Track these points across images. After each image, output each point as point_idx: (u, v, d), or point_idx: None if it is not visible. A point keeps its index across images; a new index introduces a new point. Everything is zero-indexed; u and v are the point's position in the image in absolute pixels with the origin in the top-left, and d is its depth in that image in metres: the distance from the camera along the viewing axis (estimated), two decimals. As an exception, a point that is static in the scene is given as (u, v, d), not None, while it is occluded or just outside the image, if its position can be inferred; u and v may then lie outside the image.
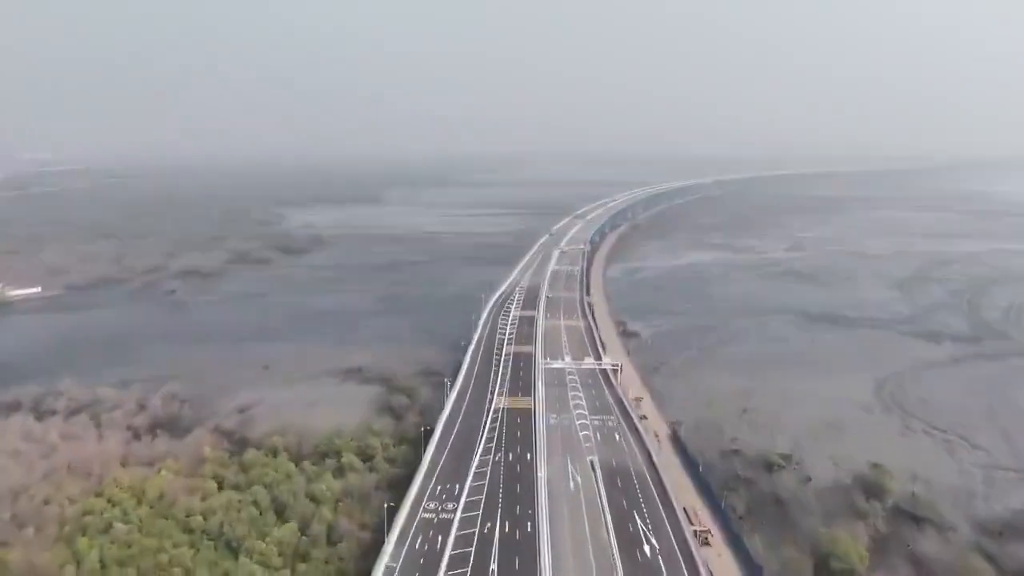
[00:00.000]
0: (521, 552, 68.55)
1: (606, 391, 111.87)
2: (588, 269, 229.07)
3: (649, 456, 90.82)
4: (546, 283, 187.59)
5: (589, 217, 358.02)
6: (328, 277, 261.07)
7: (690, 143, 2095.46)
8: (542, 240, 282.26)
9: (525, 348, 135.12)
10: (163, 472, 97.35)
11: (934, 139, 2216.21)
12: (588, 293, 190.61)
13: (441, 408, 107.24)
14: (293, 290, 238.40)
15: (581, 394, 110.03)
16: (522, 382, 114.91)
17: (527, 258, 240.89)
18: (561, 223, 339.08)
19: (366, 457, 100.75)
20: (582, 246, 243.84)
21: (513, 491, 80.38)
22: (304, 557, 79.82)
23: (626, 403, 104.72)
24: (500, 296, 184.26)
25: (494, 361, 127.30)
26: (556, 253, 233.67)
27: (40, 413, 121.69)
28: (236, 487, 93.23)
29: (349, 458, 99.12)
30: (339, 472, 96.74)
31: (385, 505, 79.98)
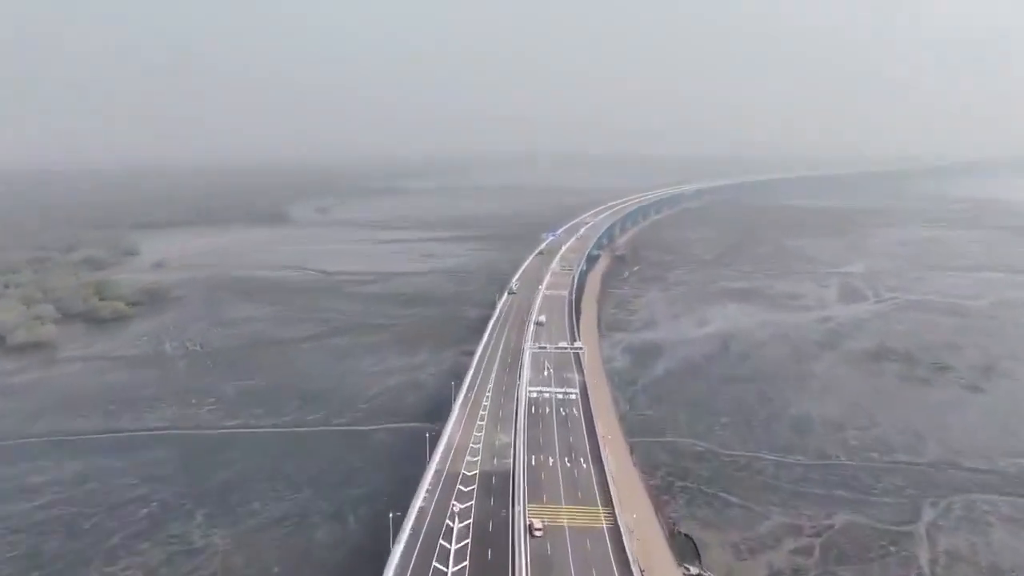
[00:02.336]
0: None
1: None
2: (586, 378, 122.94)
3: None
4: (521, 469, 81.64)
5: (561, 252, 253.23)
6: (122, 386, 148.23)
7: (687, 142, 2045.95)
8: (501, 305, 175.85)
9: None
10: None
11: (914, 141, 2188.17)
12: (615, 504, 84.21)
13: None
14: (25, 430, 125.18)
15: None
16: None
17: (478, 356, 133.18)
18: (525, 264, 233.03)
19: None
20: (577, 345, 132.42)
21: None
22: None
23: None
24: (424, 502, 76.87)
25: None
26: (527, 353, 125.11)
27: None
28: None
29: None
30: None
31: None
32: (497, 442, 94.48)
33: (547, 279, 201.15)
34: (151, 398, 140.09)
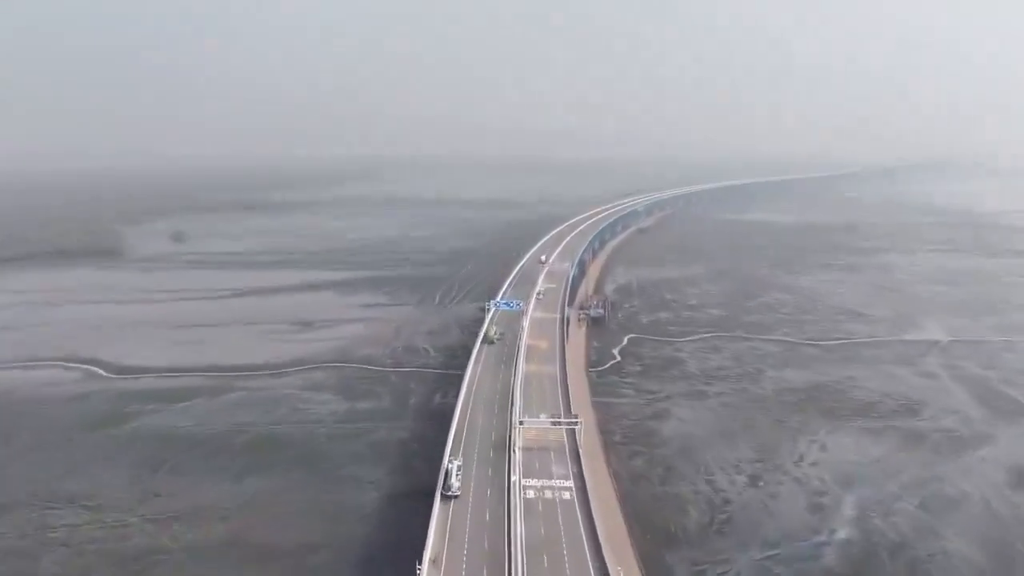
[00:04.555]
0: None
1: None
2: None
3: None
4: None
5: (523, 342, 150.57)
6: None
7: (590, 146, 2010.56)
8: (429, 557, 71.39)
9: None
10: None
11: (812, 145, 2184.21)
12: None
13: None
14: None
15: None
16: None
17: None
18: (465, 379, 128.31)
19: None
20: None
21: None
22: None
23: None
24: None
25: None
26: None
27: None
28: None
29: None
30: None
31: None
32: None
33: (518, 440, 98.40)
34: None
